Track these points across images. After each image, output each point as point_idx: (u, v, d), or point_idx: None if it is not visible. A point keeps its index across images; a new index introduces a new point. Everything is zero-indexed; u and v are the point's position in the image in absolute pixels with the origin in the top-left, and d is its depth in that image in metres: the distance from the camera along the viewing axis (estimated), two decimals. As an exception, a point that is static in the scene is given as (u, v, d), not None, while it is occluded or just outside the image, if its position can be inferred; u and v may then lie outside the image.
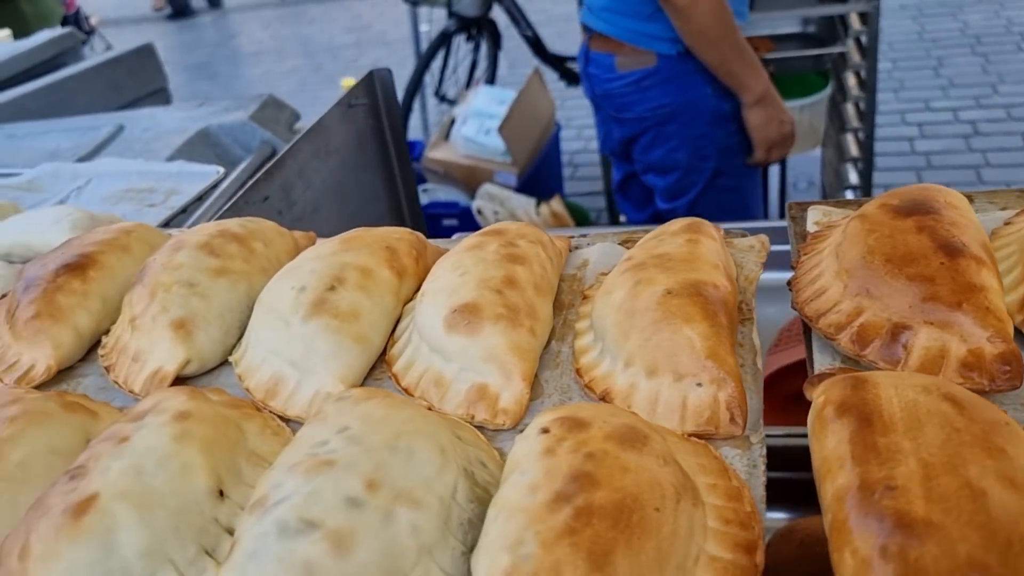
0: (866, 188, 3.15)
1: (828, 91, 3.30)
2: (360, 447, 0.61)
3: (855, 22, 3.08)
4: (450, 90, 4.69)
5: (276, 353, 0.81)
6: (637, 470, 0.56)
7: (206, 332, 0.86)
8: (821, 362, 0.73)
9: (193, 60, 7.25)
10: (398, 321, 0.87)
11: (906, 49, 5.05)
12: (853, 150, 3.19)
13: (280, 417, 0.78)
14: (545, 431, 0.61)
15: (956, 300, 0.67)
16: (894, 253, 0.71)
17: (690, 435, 0.67)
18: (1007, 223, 0.82)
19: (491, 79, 4.70)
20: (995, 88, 4.45)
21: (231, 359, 0.86)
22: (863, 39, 3.03)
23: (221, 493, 0.66)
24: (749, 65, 2.05)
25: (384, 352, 0.84)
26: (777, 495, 1.26)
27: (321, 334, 0.79)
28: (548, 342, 0.82)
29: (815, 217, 0.89)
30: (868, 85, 3.04)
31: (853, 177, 3.19)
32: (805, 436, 1.25)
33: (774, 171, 3.37)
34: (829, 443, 0.57)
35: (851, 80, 3.22)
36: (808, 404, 0.64)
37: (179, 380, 0.84)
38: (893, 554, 0.48)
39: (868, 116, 3.09)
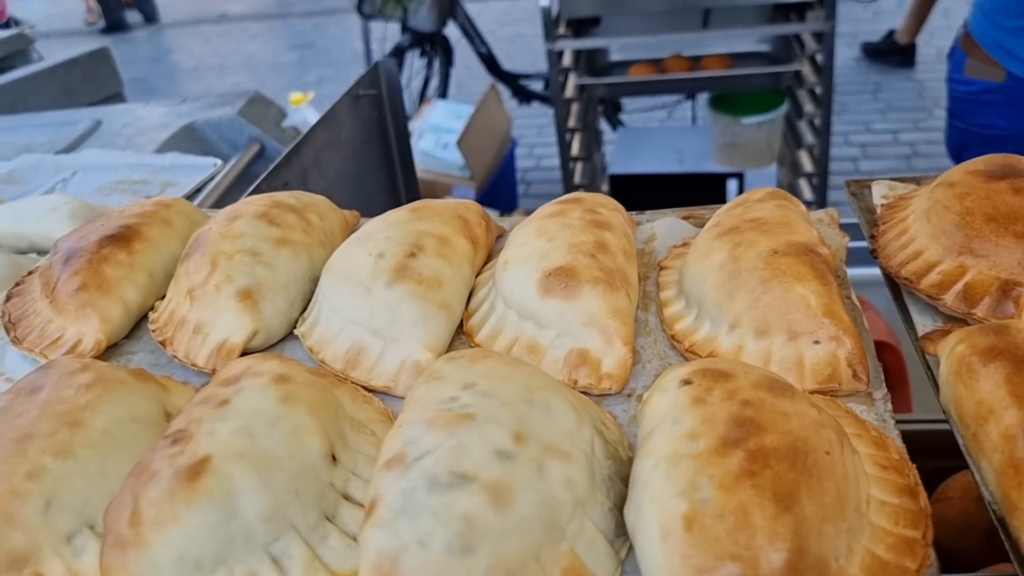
0: (821, 202, 3.23)
1: (784, 109, 3.38)
2: (496, 400, 0.59)
3: (810, 42, 3.17)
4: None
5: (356, 321, 0.77)
6: (797, 416, 0.55)
7: (272, 303, 0.81)
8: (922, 323, 0.73)
9: (129, 75, 7.01)
10: (471, 294, 0.84)
11: (846, 74, 5.23)
12: (807, 166, 3.27)
13: (365, 388, 0.75)
14: (687, 382, 0.59)
15: (1066, 256, 0.68)
16: (996, 212, 0.72)
17: (812, 393, 0.66)
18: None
19: (443, 95, 4.69)
20: (930, 112, 4.63)
21: (298, 331, 0.82)
22: (818, 58, 3.12)
23: (334, 458, 0.62)
24: None
25: (461, 325, 0.81)
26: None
27: (407, 300, 0.76)
28: (634, 311, 0.80)
29: (881, 191, 0.90)
30: (823, 102, 3.13)
31: (807, 193, 3.27)
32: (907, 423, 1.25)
33: (732, 188, 3.43)
34: (984, 387, 0.57)
35: (806, 98, 3.31)
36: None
37: (244, 354, 0.79)
38: (1089, 484, 0.48)
39: (823, 133, 3.18)
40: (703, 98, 3.85)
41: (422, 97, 4.64)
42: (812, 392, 0.66)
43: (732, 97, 3.50)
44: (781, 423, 0.54)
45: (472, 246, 0.84)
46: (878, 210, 0.87)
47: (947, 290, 0.72)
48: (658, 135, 3.97)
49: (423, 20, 4.31)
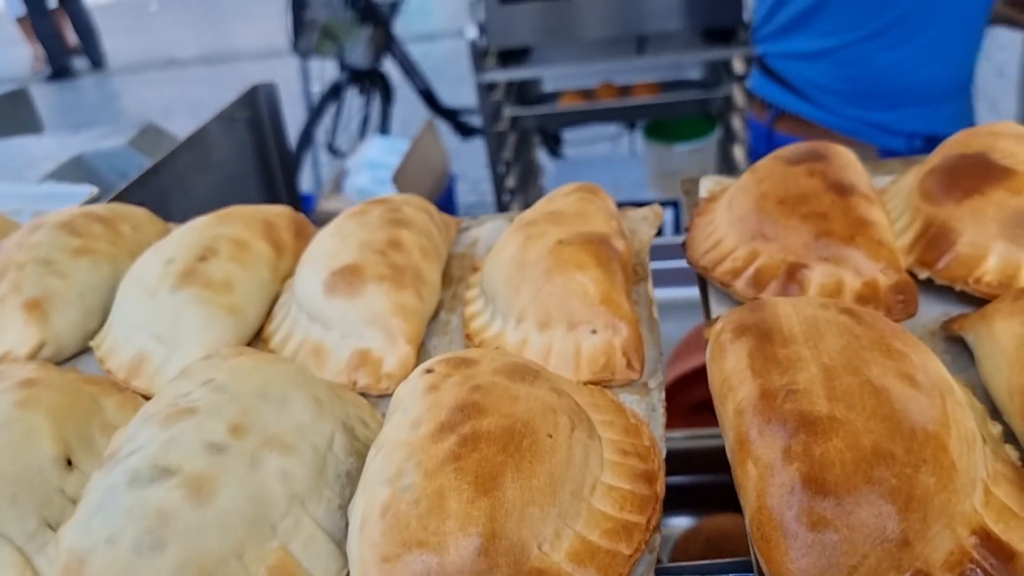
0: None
1: (716, 135, 3.41)
2: (225, 395, 0.55)
3: (739, 67, 3.21)
4: (343, 143, 4.65)
5: (141, 328, 0.74)
6: (528, 399, 0.52)
7: (63, 314, 0.78)
8: (718, 311, 0.71)
9: (73, 120, 7.00)
10: (276, 300, 0.81)
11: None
12: (740, 190, 3.27)
13: (145, 397, 0.71)
14: (429, 371, 0.56)
15: (848, 235, 0.67)
16: (787, 195, 0.71)
17: (587, 383, 0.64)
18: (893, 181, 0.83)
19: (383, 131, 4.69)
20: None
21: (92, 343, 0.78)
22: (747, 82, 3.15)
23: (69, 463, 0.59)
24: None
25: (261, 332, 0.78)
26: (681, 499, 1.24)
27: (191, 304, 0.73)
28: (437, 312, 0.78)
29: (708, 186, 0.88)
30: (752, 127, 3.15)
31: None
32: (707, 438, 1.24)
33: (668, 216, 3.44)
34: (728, 363, 0.55)
35: (737, 123, 3.33)
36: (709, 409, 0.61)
37: (30, 367, 0.75)
38: (797, 453, 0.45)
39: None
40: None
41: (362, 135, 4.64)
42: (587, 382, 0.64)
43: (666, 125, 3.52)
44: (506, 406, 0.51)
45: (275, 251, 0.81)
46: (701, 203, 0.85)
47: (739, 276, 0.70)
48: (596, 165, 3.98)
49: (359, 57, 4.31)
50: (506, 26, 2.90)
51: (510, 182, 3.24)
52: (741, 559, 0.51)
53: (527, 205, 2.87)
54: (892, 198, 0.78)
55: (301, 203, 1.67)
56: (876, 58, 1.53)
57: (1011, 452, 0.52)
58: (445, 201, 4.15)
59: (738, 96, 3.21)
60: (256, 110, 1.53)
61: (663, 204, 3.53)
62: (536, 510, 0.46)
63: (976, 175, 0.69)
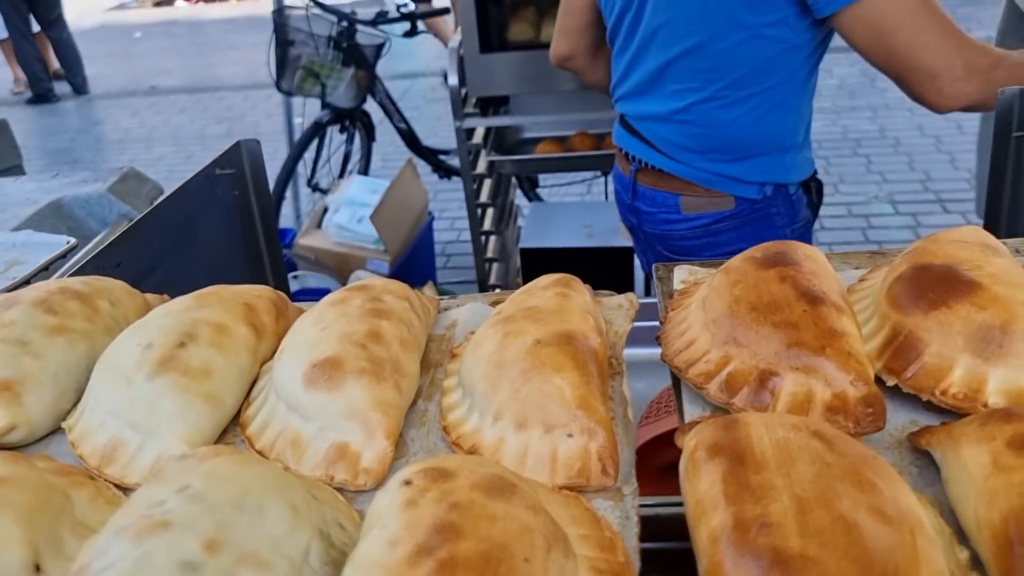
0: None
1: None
2: (201, 506, 0.55)
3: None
4: (323, 180, 4.66)
5: (116, 415, 0.74)
6: (505, 519, 0.53)
7: (37, 395, 0.77)
8: (691, 412, 0.72)
9: (53, 145, 6.96)
10: (255, 383, 0.81)
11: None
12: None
13: (118, 486, 0.71)
14: (407, 483, 0.56)
15: (819, 345, 0.68)
16: (759, 302, 0.72)
17: (561, 488, 0.64)
18: (861, 279, 0.85)
19: (364, 171, 4.70)
20: (836, 187, 4.77)
21: (65, 425, 0.78)
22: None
23: (38, 568, 0.58)
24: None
25: (238, 415, 0.78)
26: (650, 567, 1.24)
27: (167, 392, 0.73)
28: (415, 401, 0.78)
29: (681, 276, 0.90)
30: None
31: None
32: (677, 505, 1.24)
33: (638, 262, 3.46)
34: (702, 485, 0.56)
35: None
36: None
37: (5, 448, 0.75)
38: (770, 592, 0.46)
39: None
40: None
41: (342, 173, 4.65)
42: (562, 487, 0.64)
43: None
44: (484, 528, 0.51)
45: (255, 334, 0.81)
46: (675, 295, 0.87)
47: (712, 379, 0.71)
48: (570, 210, 4.01)
49: (341, 97, 4.34)
50: (486, 75, 2.94)
51: (487, 223, 3.26)
52: None
53: (503, 246, 2.90)
54: (860, 299, 0.80)
55: (283, 258, 1.67)
56: (718, 116, 1.65)
57: (977, 581, 0.53)
58: (423, 240, 4.17)
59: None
60: (239, 165, 1.53)
61: (634, 250, 3.57)
62: (510, 642, 0.47)
63: (943, 287, 0.71)
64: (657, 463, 1.43)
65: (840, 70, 6.68)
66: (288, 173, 4.37)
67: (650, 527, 1.18)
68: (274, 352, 0.84)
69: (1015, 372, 0.67)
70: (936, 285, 0.72)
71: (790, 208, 1.75)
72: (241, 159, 1.54)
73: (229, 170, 1.50)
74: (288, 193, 4.46)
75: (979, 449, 0.57)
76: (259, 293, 0.86)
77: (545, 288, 0.81)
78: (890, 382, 0.71)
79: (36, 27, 7.74)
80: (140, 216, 1.30)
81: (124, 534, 0.53)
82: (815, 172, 1.82)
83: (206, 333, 0.78)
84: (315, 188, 4.66)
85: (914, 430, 0.67)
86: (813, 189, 1.80)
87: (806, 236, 1.85)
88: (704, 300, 0.77)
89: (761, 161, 1.70)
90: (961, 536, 0.57)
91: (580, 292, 0.81)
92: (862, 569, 0.47)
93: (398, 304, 0.81)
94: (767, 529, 0.49)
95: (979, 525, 0.53)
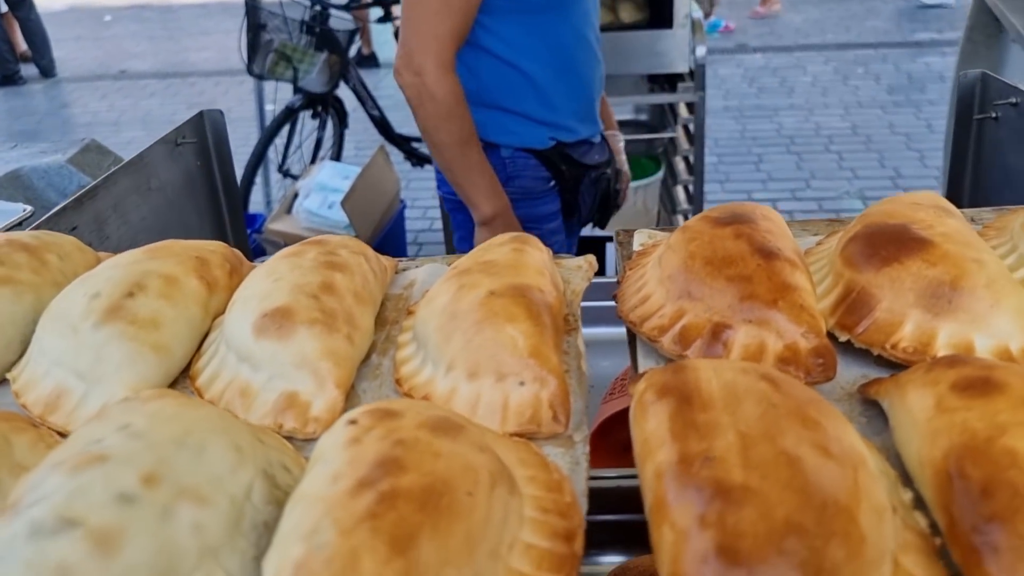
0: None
1: (660, 175, 3.47)
2: (141, 442, 0.54)
3: (683, 111, 3.28)
4: (294, 166, 4.62)
5: (61, 364, 0.72)
6: (450, 456, 0.52)
7: (-21, 346, 0.76)
8: (645, 365, 0.72)
9: (19, 127, 6.84)
10: (206, 336, 0.80)
11: (730, 146, 5.41)
12: (685, 230, 3.33)
13: (60, 434, 0.69)
14: (353, 422, 0.56)
15: (772, 298, 0.68)
16: (714, 256, 0.72)
17: (512, 435, 0.64)
18: (818, 244, 0.85)
19: (336, 157, 4.67)
20: (807, 183, 4.82)
21: (9, 376, 0.76)
22: (690, 127, 3.22)
23: (-27, 507, 0.57)
24: (478, 184, 1.74)
25: (188, 368, 0.77)
26: (611, 538, 1.24)
27: (114, 341, 0.71)
28: (369, 355, 0.77)
29: (641, 239, 0.90)
30: (696, 169, 3.22)
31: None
32: (636, 477, 1.24)
33: (610, 251, 3.47)
34: (649, 425, 0.55)
35: (680, 164, 3.40)
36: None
37: (-57, 399, 0.73)
38: (711, 521, 0.46)
39: (696, 198, 3.26)
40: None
41: (314, 159, 4.61)
42: (513, 434, 0.64)
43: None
44: (427, 463, 0.51)
45: (206, 288, 0.80)
46: (633, 256, 0.87)
47: (666, 332, 0.71)
48: (543, 199, 4.01)
49: (313, 82, 4.30)
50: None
51: (459, 214, 3.25)
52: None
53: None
54: (816, 260, 0.80)
55: (245, 229, 1.65)
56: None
57: (920, 519, 0.53)
58: (395, 227, 4.15)
59: (681, 139, 3.27)
60: (202, 136, 1.51)
61: (607, 240, 3.58)
62: (452, 571, 0.46)
63: (895, 244, 0.71)
64: (620, 439, 1.44)
65: (813, 67, 6.74)
66: (258, 158, 4.32)
67: (611, 499, 1.19)
68: (226, 307, 0.83)
69: (964, 327, 0.67)
70: (888, 243, 0.72)
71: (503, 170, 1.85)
72: (204, 129, 1.53)
73: (192, 139, 1.48)
74: (259, 179, 4.41)
75: (924, 393, 0.57)
76: (212, 248, 0.85)
77: (502, 244, 0.80)
78: (842, 338, 0.71)
79: (4, 7, 7.61)
80: (96, 181, 1.27)
81: (59, 468, 0.52)
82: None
83: (156, 284, 0.76)
84: (286, 174, 4.62)
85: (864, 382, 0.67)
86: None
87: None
88: (660, 258, 0.77)
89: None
90: (906, 480, 0.57)
91: (537, 249, 0.81)
92: (803, 500, 0.46)
93: (353, 259, 0.80)
94: (710, 463, 0.49)
95: (921, 464, 0.54)
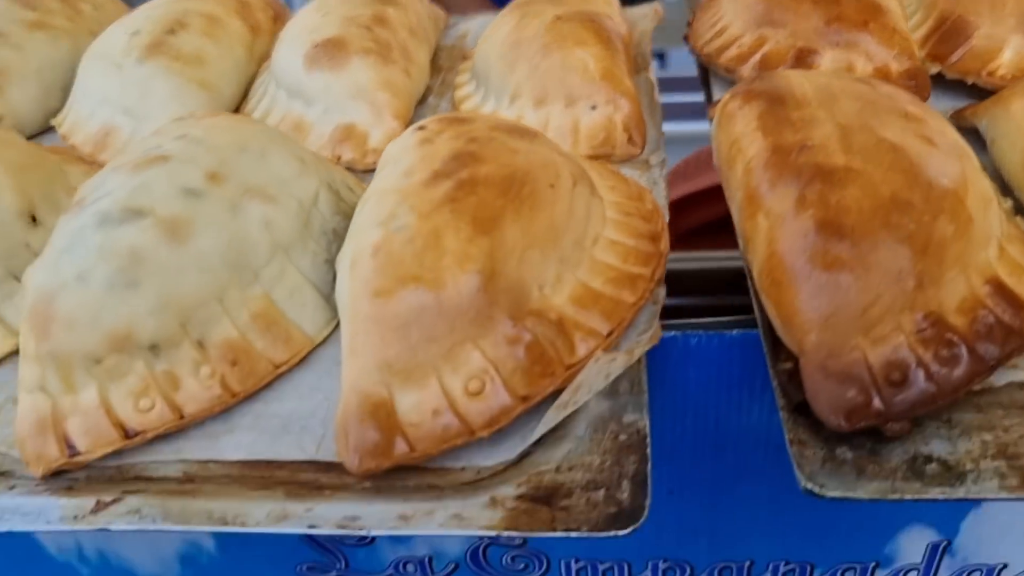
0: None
1: None
2: (202, 146, 0.52)
3: None
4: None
5: (106, 102, 0.69)
6: (528, 152, 0.49)
7: (21, 88, 0.73)
8: (720, 100, 0.68)
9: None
10: (252, 83, 0.76)
11: None
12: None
13: (113, 170, 0.67)
14: (422, 128, 0.53)
15: (862, 20, 0.63)
16: (798, -21, 0.66)
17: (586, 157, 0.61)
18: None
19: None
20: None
21: (54, 122, 0.74)
22: None
23: (34, 219, 0.55)
24: None
25: (236, 112, 0.74)
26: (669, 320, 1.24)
27: (159, 75, 0.68)
28: (425, 98, 0.74)
29: (709, -13, 0.84)
30: None
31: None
32: (702, 260, 1.22)
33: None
34: (737, 127, 0.52)
35: None
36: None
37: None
38: (812, 201, 0.43)
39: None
40: None
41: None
42: (586, 157, 0.61)
43: None
44: (505, 157, 0.48)
45: (251, 31, 0.76)
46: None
47: (746, 62, 0.67)
48: None
49: None
50: None
51: None
52: (748, 316, 0.49)
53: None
54: (905, -4, 0.74)
55: None
56: None
57: (1022, 223, 0.50)
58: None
59: None
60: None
61: None
62: (536, 253, 0.44)
63: (999, -35, 0.65)
64: (684, 224, 1.39)
65: None
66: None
67: (673, 281, 1.18)
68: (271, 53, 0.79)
69: (1069, 50, 0.62)
70: (989, -35, 0.66)
71: None
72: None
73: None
74: None
75: (1033, 97, 0.53)
76: (253, -8, 0.80)
77: (564, -21, 0.74)
78: (934, 69, 0.67)
79: None
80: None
81: (121, 169, 0.50)
82: None
83: (197, 23, 0.72)
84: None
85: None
86: None
87: None
88: (736, -11, 0.71)
89: None
90: (1005, 191, 0.54)
91: (602, -14, 0.75)
92: (909, 180, 0.43)
93: (404, -5, 0.75)
94: (809, 150, 0.46)
95: (1027, 164, 0.50)
